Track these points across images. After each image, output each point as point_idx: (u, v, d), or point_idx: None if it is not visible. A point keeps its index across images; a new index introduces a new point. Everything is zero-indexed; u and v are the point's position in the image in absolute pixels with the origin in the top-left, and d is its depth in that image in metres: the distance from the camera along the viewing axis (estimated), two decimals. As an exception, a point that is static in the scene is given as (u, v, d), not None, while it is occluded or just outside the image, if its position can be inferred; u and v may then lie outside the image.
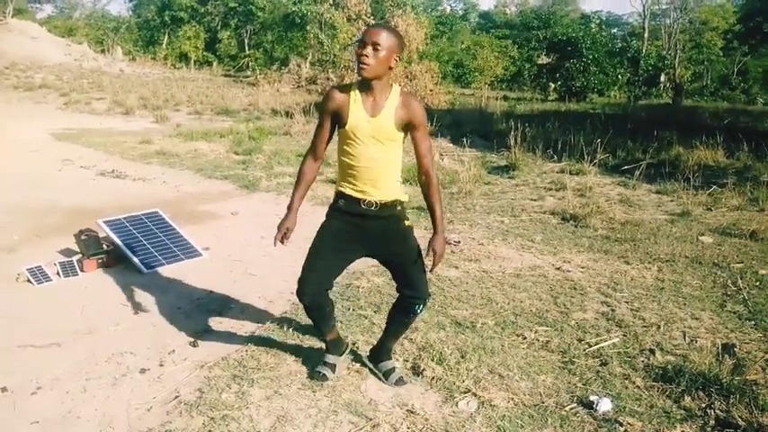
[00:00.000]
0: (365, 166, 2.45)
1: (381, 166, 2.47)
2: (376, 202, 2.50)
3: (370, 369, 2.89)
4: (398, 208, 2.57)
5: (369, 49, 2.32)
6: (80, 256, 4.29)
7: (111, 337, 3.24)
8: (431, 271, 2.63)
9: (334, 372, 2.80)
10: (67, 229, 4.80)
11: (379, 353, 2.88)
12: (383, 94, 2.42)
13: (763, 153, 8.82)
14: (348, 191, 2.52)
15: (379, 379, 2.81)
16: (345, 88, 2.48)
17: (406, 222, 2.61)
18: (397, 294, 2.70)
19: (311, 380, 2.76)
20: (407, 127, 2.46)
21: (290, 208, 2.62)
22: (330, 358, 2.83)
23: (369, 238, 2.58)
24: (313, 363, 2.89)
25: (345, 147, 2.48)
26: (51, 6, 57.68)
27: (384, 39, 2.32)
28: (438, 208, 2.55)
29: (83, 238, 4.31)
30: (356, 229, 2.56)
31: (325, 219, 2.64)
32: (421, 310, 2.68)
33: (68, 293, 3.86)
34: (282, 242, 2.59)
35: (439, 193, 2.58)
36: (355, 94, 2.43)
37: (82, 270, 4.17)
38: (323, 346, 2.94)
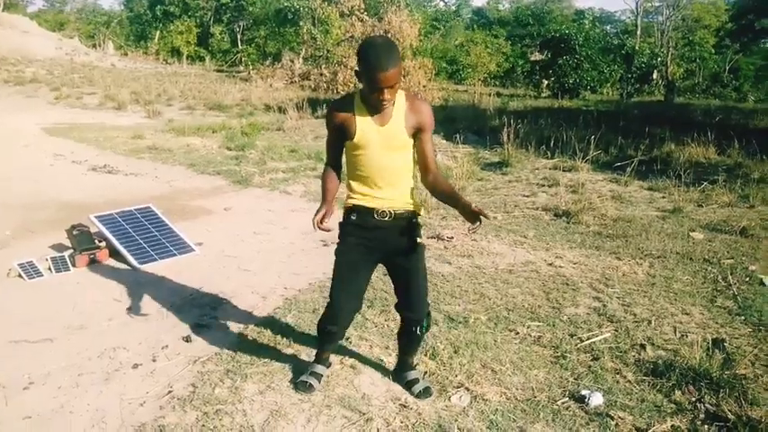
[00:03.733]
0: (377, 174, 2.38)
1: (394, 173, 2.40)
2: (390, 212, 2.42)
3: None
4: (414, 220, 2.48)
5: (387, 94, 2.21)
6: (72, 251, 4.28)
7: (104, 333, 3.24)
8: (476, 226, 2.26)
9: (320, 382, 2.72)
10: (59, 224, 4.78)
11: (400, 368, 2.81)
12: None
13: (754, 150, 8.87)
14: (360, 202, 2.44)
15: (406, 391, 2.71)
16: (347, 101, 2.37)
17: (419, 240, 2.50)
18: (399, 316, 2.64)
19: (296, 390, 2.67)
20: (417, 131, 2.38)
21: (324, 200, 2.46)
22: (318, 368, 2.76)
23: (384, 247, 2.49)
24: (303, 362, 2.88)
25: (355, 158, 2.40)
26: (42, 0, 57.39)
27: (397, 73, 2.17)
28: (453, 189, 2.47)
29: (75, 233, 4.30)
30: (371, 243, 2.47)
31: (339, 238, 2.53)
32: (423, 332, 2.58)
33: (60, 289, 3.85)
34: (322, 223, 2.35)
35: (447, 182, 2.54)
36: (360, 106, 2.33)
37: (74, 265, 4.16)
38: (314, 342, 2.93)
